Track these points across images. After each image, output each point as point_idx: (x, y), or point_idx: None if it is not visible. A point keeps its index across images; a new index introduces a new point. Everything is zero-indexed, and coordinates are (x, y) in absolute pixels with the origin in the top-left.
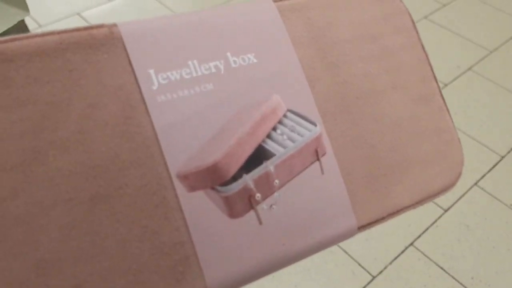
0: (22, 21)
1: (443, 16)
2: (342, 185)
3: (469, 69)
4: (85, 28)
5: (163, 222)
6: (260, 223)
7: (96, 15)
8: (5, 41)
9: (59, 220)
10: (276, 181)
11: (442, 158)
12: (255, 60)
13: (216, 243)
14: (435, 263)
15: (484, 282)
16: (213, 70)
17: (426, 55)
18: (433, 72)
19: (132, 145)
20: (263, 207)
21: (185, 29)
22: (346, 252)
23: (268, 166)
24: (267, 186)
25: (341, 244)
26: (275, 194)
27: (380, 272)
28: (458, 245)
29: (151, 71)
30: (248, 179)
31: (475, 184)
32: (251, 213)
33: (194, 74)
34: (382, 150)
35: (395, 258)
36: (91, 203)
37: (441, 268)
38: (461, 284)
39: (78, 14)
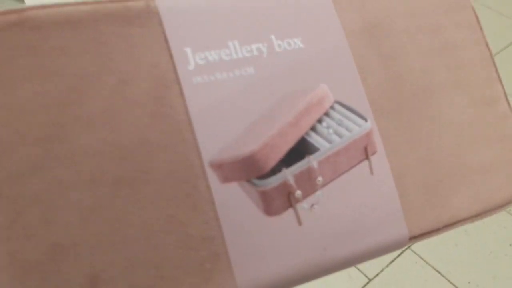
0: None
1: None
2: (394, 189)
3: None
4: (121, 0)
5: (192, 213)
6: (300, 223)
7: None
8: (34, 8)
9: (78, 202)
10: (319, 178)
11: (506, 168)
12: (301, 45)
13: (249, 241)
14: (432, 266)
15: (481, 287)
16: (255, 52)
17: (491, 54)
18: (498, 73)
19: (162, 128)
20: (303, 206)
21: (228, 7)
22: None
23: (311, 161)
24: (308, 184)
25: None
26: (318, 192)
27: (377, 275)
28: (455, 249)
29: (188, 50)
30: (288, 174)
31: None
32: (290, 211)
33: (234, 56)
34: (439, 154)
35: (392, 261)
36: (114, 186)
37: (438, 272)
38: None
39: None
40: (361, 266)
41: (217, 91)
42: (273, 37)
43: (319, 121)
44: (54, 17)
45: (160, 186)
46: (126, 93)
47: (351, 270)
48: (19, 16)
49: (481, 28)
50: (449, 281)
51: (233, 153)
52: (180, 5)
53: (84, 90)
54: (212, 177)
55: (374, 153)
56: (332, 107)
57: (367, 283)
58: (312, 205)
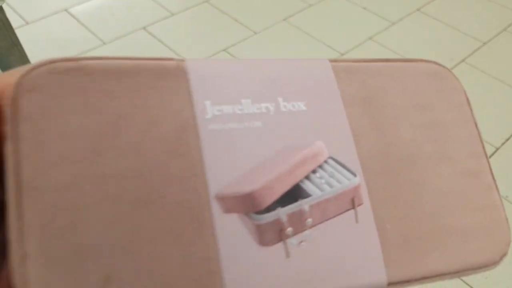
0: (2, 13)
1: (436, 8)
2: (376, 237)
3: (463, 61)
4: (157, 59)
5: (196, 235)
6: (288, 256)
7: (83, 11)
8: (90, 58)
9: (102, 214)
10: (309, 220)
11: (486, 235)
12: (304, 108)
13: (242, 265)
14: None
15: (481, 274)
16: (264, 110)
17: (479, 132)
18: (484, 149)
19: (179, 163)
20: (292, 241)
21: (244, 71)
22: None
23: (303, 204)
24: (299, 223)
25: None
26: (306, 232)
27: None
28: None
29: (207, 102)
30: (281, 213)
31: None
32: (280, 244)
33: (246, 111)
34: (421, 214)
35: None
36: (133, 205)
37: None
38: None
39: (66, 10)
40: None
41: (228, 137)
42: (280, 99)
43: (314, 172)
44: (102, 66)
45: (171, 210)
46: (152, 131)
47: None
48: (77, 64)
49: (471, 109)
50: None
51: (236, 189)
52: (204, 67)
53: (119, 126)
54: (216, 207)
55: (360, 204)
56: (326, 162)
57: None
58: (300, 242)
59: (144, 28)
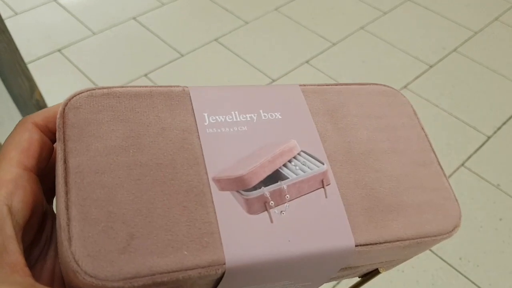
0: None
1: None
2: (342, 210)
3: (454, 50)
4: (168, 86)
5: (198, 206)
6: (271, 221)
7: (73, 1)
8: (118, 87)
9: (128, 190)
10: (287, 195)
11: (438, 209)
12: (280, 117)
13: (235, 228)
14: None
15: (473, 262)
16: (248, 119)
17: (426, 134)
18: (431, 147)
19: (184, 155)
20: (275, 211)
21: (233, 92)
22: None
23: (282, 184)
24: (279, 198)
25: None
26: (286, 204)
27: None
28: None
29: (205, 114)
30: (265, 190)
31: (462, 164)
32: (265, 213)
33: (234, 120)
34: (380, 193)
35: None
36: (151, 185)
37: (429, 249)
38: (449, 265)
39: (55, 0)
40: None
41: (221, 138)
42: (261, 111)
43: (290, 161)
44: (128, 92)
45: (180, 188)
46: (164, 134)
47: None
48: (109, 90)
49: (417, 117)
50: (440, 257)
51: (229, 173)
52: (203, 90)
53: (139, 131)
54: (214, 187)
55: (328, 184)
56: (299, 154)
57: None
58: (281, 212)
59: (134, 18)
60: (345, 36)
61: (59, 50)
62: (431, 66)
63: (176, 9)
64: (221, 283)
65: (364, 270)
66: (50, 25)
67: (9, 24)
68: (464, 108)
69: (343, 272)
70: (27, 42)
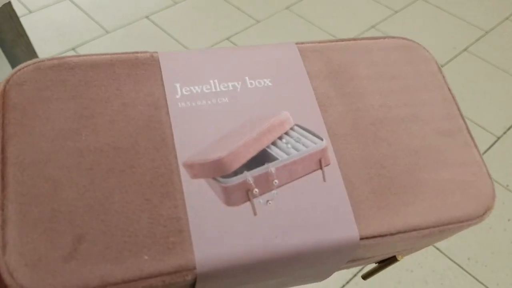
0: (9, 5)
1: None
2: (345, 195)
3: (465, 49)
4: (133, 52)
5: (165, 198)
6: (255, 214)
7: (85, 0)
8: (71, 56)
9: (77, 182)
10: (276, 181)
11: (466, 188)
12: (270, 84)
13: (209, 224)
14: None
15: (481, 262)
16: (231, 88)
17: (453, 96)
18: (459, 111)
19: (150, 136)
20: (259, 201)
21: (212, 58)
22: None
23: (269, 167)
24: (265, 184)
25: None
26: (273, 191)
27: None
28: None
29: (177, 85)
30: (248, 175)
31: None
32: (247, 204)
33: (214, 90)
34: (394, 172)
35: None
36: (107, 174)
37: (438, 249)
38: (457, 264)
39: None
40: None
41: (196, 112)
42: (247, 78)
43: (280, 138)
44: (83, 62)
45: (142, 177)
46: (126, 111)
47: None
48: (59, 61)
49: (443, 76)
50: (448, 257)
51: (204, 157)
52: (175, 56)
53: (95, 108)
54: (184, 174)
55: (327, 165)
56: (292, 129)
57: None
58: (267, 201)
59: (147, 17)
60: (356, 35)
61: (73, 49)
62: (441, 66)
63: (188, 8)
64: None
65: (379, 258)
66: (64, 23)
67: (23, 22)
68: (474, 108)
69: (352, 263)
70: (41, 41)
